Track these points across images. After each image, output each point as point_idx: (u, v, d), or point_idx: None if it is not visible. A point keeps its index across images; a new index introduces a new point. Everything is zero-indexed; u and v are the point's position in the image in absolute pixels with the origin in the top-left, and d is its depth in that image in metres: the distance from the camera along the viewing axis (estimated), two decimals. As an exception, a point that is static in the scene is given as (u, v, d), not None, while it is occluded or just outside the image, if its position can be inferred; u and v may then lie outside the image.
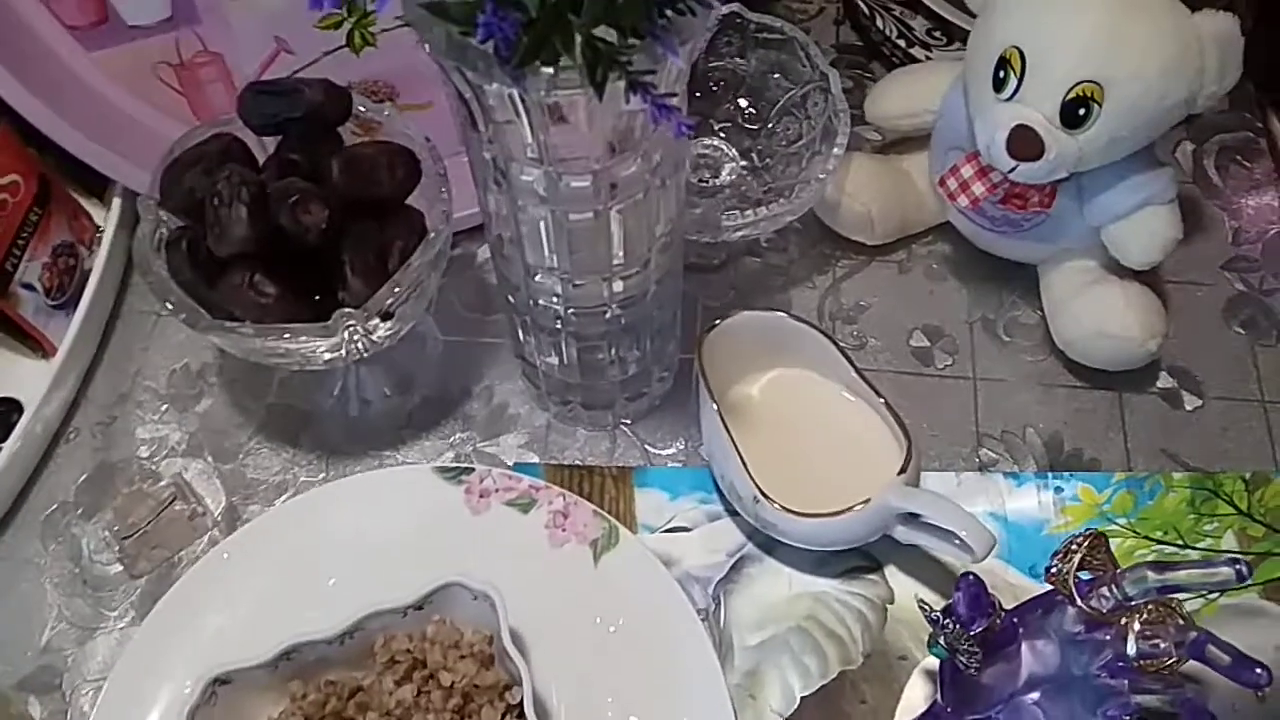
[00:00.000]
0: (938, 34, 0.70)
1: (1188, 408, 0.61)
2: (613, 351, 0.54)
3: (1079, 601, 0.43)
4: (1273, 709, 0.43)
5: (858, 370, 0.55)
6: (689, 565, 0.55)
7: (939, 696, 0.49)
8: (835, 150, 0.59)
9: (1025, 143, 0.53)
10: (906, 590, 0.54)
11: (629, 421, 0.60)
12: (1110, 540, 0.44)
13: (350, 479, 0.57)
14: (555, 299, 0.50)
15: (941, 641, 0.45)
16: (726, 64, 0.65)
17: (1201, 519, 0.56)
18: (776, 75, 0.64)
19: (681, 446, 0.59)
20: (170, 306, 0.48)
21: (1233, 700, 0.45)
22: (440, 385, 0.62)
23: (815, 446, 0.56)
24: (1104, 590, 0.43)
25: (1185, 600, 0.42)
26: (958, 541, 0.49)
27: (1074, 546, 0.44)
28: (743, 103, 0.66)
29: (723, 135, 0.67)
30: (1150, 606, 0.42)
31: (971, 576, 0.45)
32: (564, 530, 0.55)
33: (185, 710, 0.45)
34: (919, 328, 0.64)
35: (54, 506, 0.58)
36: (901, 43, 0.71)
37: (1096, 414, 0.60)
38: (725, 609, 0.54)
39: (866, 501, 0.50)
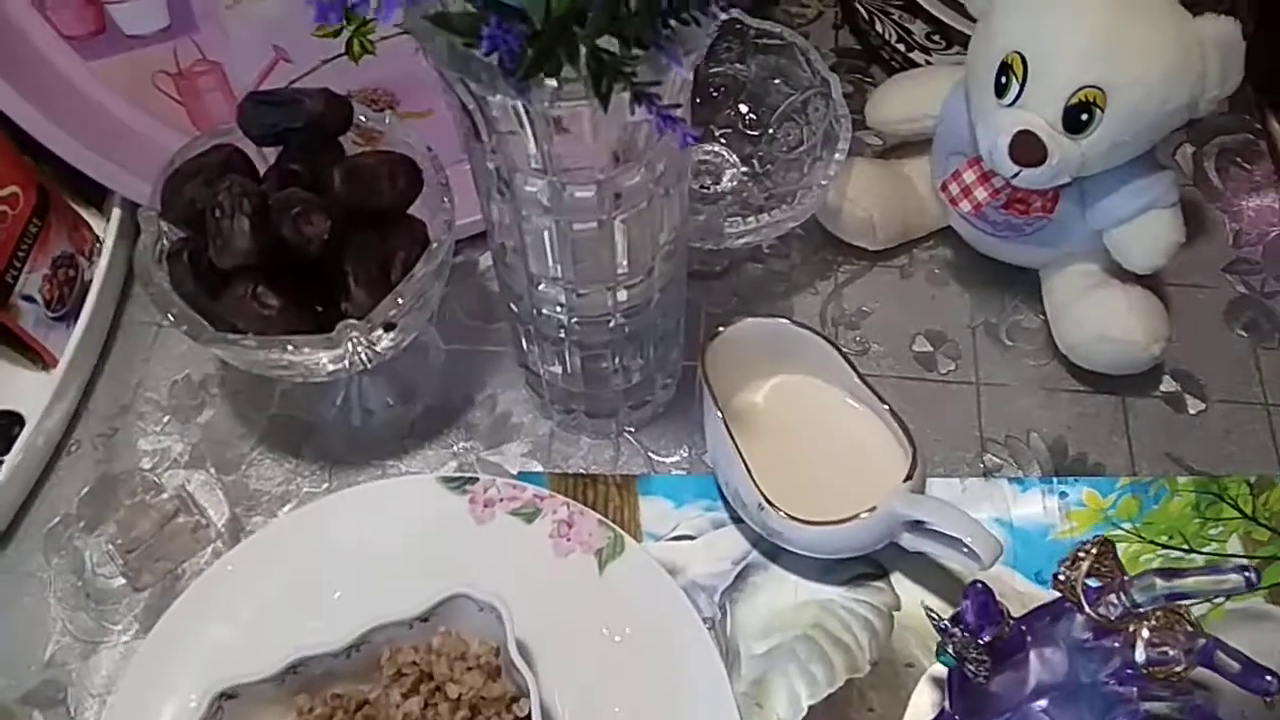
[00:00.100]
0: (937, 38, 0.70)
1: (1191, 411, 0.61)
2: (616, 360, 0.54)
3: (1087, 609, 0.43)
4: (1281, 715, 0.43)
5: (861, 376, 0.55)
6: (694, 573, 0.55)
7: (947, 704, 0.49)
8: (837, 156, 0.58)
9: (1028, 148, 0.53)
10: (913, 597, 0.54)
11: (633, 429, 0.60)
12: (1116, 545, 0.44)
13: (354, 489, 0.57)
14: (559, 308, 0.50)
15: (950, 650, 0.45)
16: (727, 70, 0.65)
17: (1207, 523, 0.56)
18: (777, 81, 0.64)
19: (685, 454, 0.59)
20: (172, 318, 0.48)
21: (1241, 707, 0.45)
22: (443, 394, 0.61)
23: (819, 453, 0.56)
24: (1112, 597, 0.43)
25: (1191, 605, 0.42)
26: (965, 549, 0.49)
27: (1082, 554, 0.44)
28: (743, 109, 0.66)
29: (723, 141, 0.67)
30: (1158, 613, 0.42)
31: (979, 585, 0.45)
32: (569, 539, 0.55)
33: (191, 725, 0.45)
34: (921, 333, 0.64)
35: (56, 519, 0.58)
36: (901, 47, 0.71)
37: (1100, 418, 0.60)
38: (731, 617, 0.54)
39: (873, 509, 0.50)
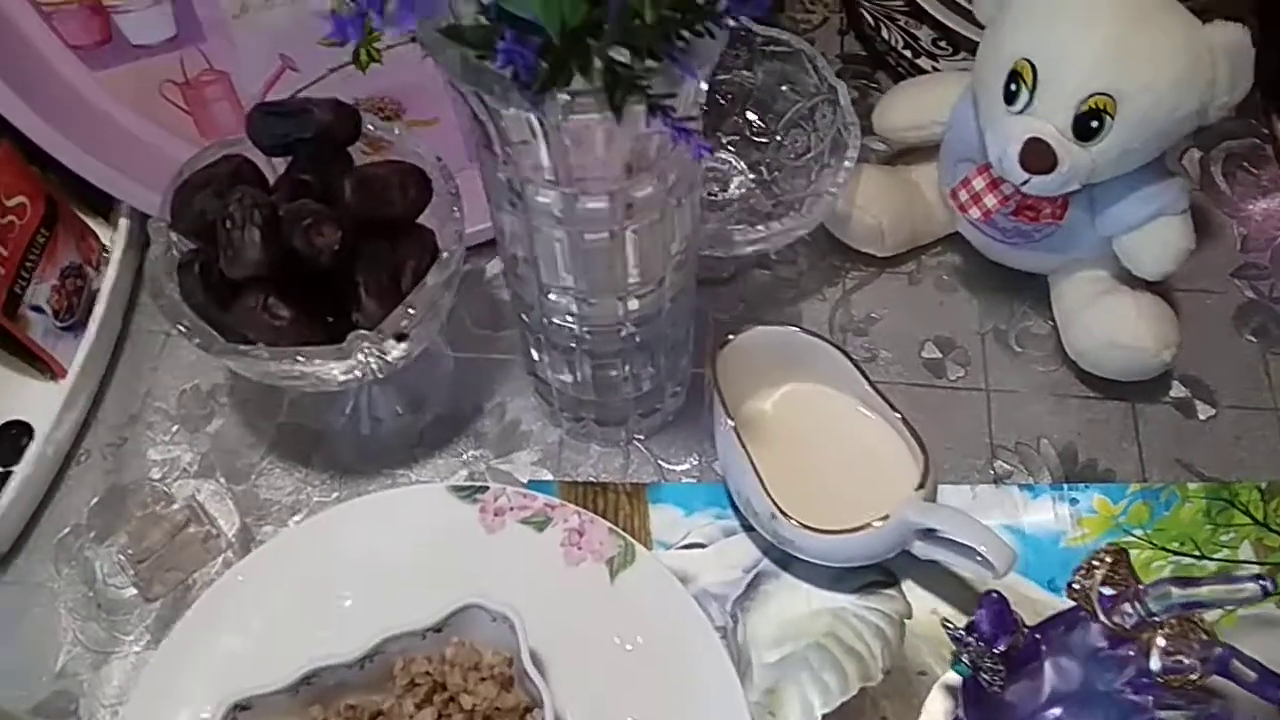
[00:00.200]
0: (943, 44, 0.70)
1: (1201, 417, 0.61)
2: (627, 369, 0.54)
3: (1102, 617, 0.43)
4: (1296, 723, 0.43)
5: (872, 384, 0.55)
6: (705, 582, 0.55)
7: (961, 713, 0.49)
8: (846, 163, 0.58)
9: (1038, 156, 0.53)
10: (924, 605, 0.54)
11: (642, 437, 0.60)
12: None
13: (364, 499, 0.56)
14: (570, 318, 0.50)
15: (965, 659, 0.45)
16: (734, 77, 0.65)
17: (1218, 529, 0.56)
18: (784, 88, 0.64)
19: (695, 462, 0.59)
20: (183, 330, 0.48)
21: (1255, 714, 0.45)
22: (452, 403, 0.61)
23: (830, 461, 0.56)
24: (1127, 606, 0.43)
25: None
26: (979, 558, 0.48)
27: (1096, 562, 0.44)
28: (751, 116, 0.66)
29: (731, 149, 0.67)
30: (1173, 622, 0.42)
31: (995, 594, 0.45)
32: (580, 548, 0.55)
33: (205, 737, 0.45)
34: (930, 339, 0.64)
35: (66, 530, 0.57)
36: (907, 53, 0.71)
37: (1110, 424, 0.60)
38: (743, 626, 0.54)
39: (885, 518, 0.50)
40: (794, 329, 0.56)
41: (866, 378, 0.55)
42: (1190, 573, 0.54)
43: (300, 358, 0.48)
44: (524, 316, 0.53)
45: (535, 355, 0.56)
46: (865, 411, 0.56)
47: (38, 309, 0.59)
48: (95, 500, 0.58)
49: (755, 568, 0.56)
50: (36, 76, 0.58)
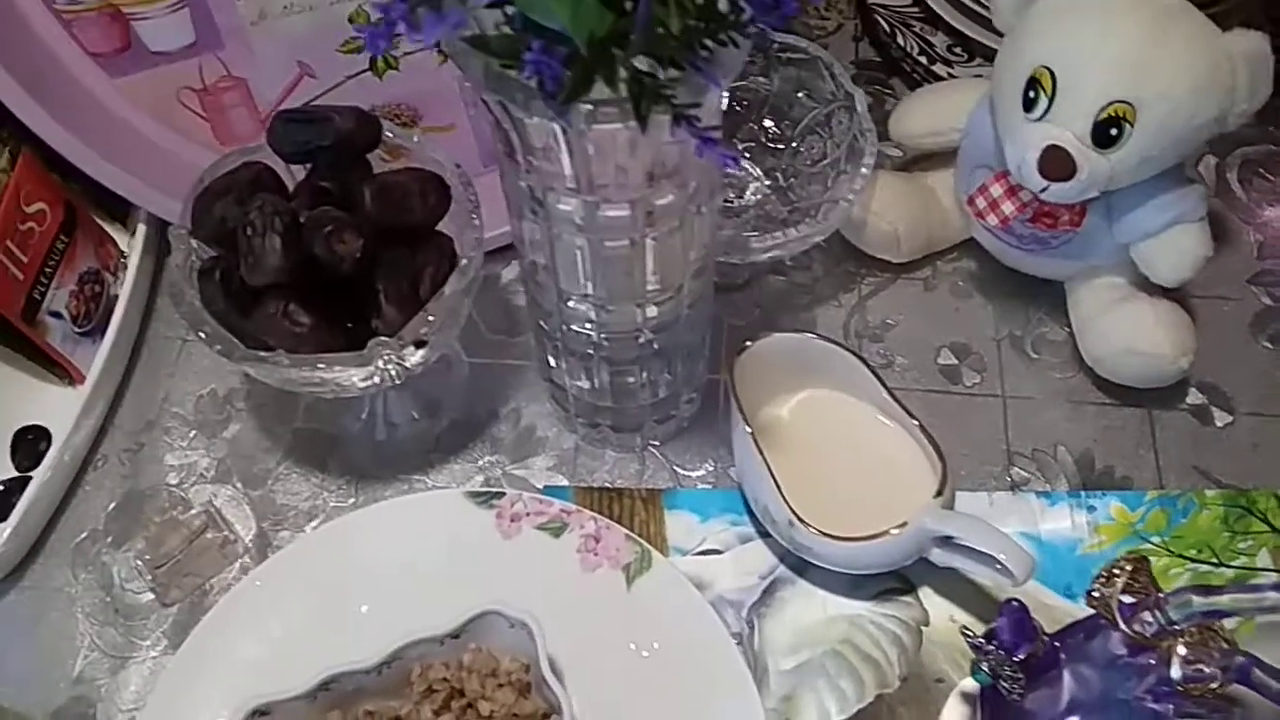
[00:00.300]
0: (958, 50, 0.70)
1: (1218, 424, 0.61)
2: (644, 375, 0.54)
3: (1122, 625, 0.43)
4: (1318, 732, 0.43)
5: (890, 391, 0.55)
6: (721, 588, 0.55)
7: (978, 721, 0.49)
8: (862, 170, 0.59)
9: (1057, 163, 0.52)
10: (941, 612, 0.54)
11: (658, 443, 0.60)
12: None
13: (381, 504, 0.57)
14: (588, 325, 0.50)
15: (985, 668, 0.45)
16: (750, 84, 0.65)
17: (1236, 537, 0.56)
18: (800, 95, 0.64)
19: (711, 468, 0.59)
20: (204, 337, 0.48)
21: (1276, 723, 0.45)
22: (467, 408, 0.62)
23: (846, 468, 0.56)
24: (1147, 614, 0.43)
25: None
26: (998, 566, 0.48)
27: (1116, 570, 0.44)
28: (767, 123, 0.66)
29: (747, 155, 0.67)
30: (1194, 630, 0.42)
31: (1015, 602, 0.45)
32: (596, 554, 0.55)
33: (224, 743, 0.45)
34: (946, 345, 0.64)
35: (84, 535, 0.58)
36: (922, 59, 0.71)
37: (1126, 431, 0.60)
38: (759, 632, 0.54)
39: (903, 525, 0.50)
40: (811, 335, 0.56)
41: (883, 384, 0.55)
42: (1208, 580, 0.54)
43: (321, 364, 0.48)
44: (542, 323, 0.53)
45: (552, 361, 0.56)
46: (882, 418, 0.56)
47: (56, 315, 0.59)
48: (112, 505, 0.59)
49: (771, 574, 0.56)
50: (56, 84, 0.58)
